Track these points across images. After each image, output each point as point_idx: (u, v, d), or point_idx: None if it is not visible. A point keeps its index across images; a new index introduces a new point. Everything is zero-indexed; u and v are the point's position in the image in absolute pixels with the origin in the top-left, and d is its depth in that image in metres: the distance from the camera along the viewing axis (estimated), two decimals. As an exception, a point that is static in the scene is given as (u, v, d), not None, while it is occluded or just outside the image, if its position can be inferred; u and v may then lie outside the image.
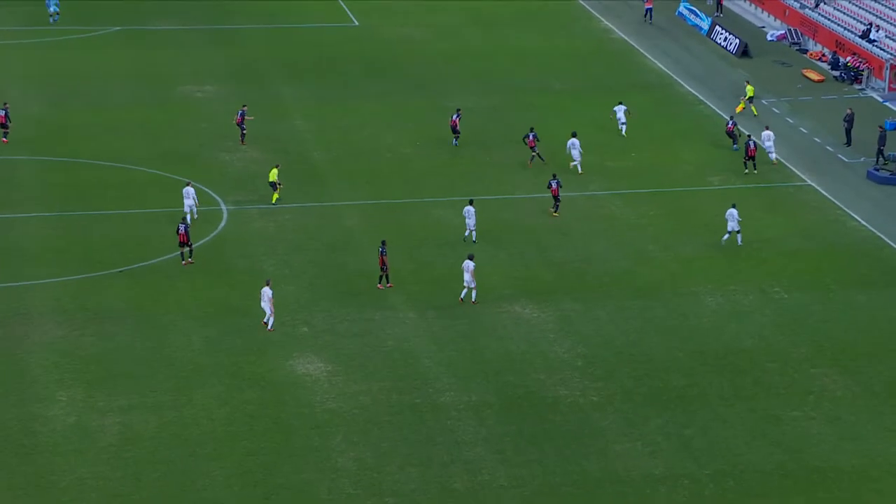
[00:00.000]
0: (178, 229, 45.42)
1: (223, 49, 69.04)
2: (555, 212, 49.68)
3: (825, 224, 50.39)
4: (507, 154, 55.88)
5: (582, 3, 78.53)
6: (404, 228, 48.61)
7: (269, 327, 41.78)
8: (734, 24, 74.19)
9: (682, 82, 65.55)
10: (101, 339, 41.21)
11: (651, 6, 73.70)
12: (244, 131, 55.72)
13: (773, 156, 55.36)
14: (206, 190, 51.57)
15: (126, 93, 62.38)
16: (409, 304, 43.69)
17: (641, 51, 70.09)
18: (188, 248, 45.32)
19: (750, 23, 75.39)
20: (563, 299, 44.19)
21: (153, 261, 46.08)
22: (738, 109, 61.01)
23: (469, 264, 43.16)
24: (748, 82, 62.37)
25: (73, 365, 39.82)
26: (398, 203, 51.19)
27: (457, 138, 56.37)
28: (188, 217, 47.30)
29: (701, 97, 63.59)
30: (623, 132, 57.80)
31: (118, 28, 71.71)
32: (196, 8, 76.03)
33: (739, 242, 48.28)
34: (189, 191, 48.81)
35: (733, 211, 48.26)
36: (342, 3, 77.23)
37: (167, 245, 46.94)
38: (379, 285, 44.34)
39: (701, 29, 73.54)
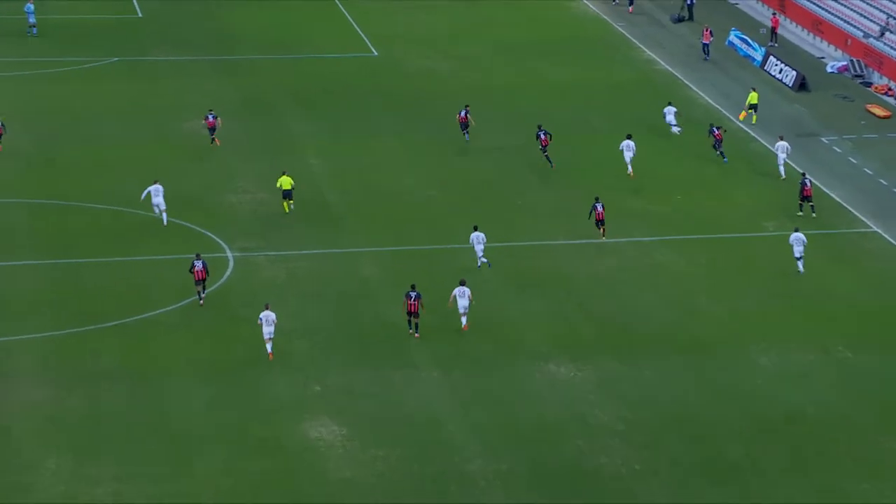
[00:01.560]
0: (194, 266, 45.76)
1: (231, 81, 69.18)
2: (602, 235, 51.26)
3: (894, 275, 49.83)
4: (540, 196, 55.64)
5: (622, 31, 78.50)
6: (428, 278, 48.20)
7: (269, 352, 42.78)
8: (790, 54, 73.94)
9: (734, 118, 65.21)
10: (91, 400, 40.90)
11: (709, 42, 73.11)
12: (214, 134, 59.13)
13: (782, 169, 56.87)
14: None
15: (124, 129, 62.47)
16: (433, 361, 43.29)
17: (688, 84, 69.85)
18: (203, 287, 45.98)
19: (808, 53, 75.12)
20: (604, 357, 43.71)
21: (151, 313, 45.84)
22: (741, 117, 63.63)
23: (466, 290, 44.23)
24: (754, 89, 64.25)
25: (61, 429, 39.48)
26: (421, 250, 50.91)
27: (467, 132, 59.36)
28: (197, 258, 46.90)
29: (754, 135, 63.21)
30: (677, 132, 60.36)
31: (116, 59, 71.98)
32: (201, 37, 76.32)
33: (801, 270, 48.32)
34: (158, 188, 51.30)
35: (800, 235, 48.73)
36: (360, 32, 77.41)
37: (166, 296, 46.71)
38: (416, 334, 44.29)
39: (754, 60, 73.30)
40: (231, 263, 49.46)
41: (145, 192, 51.90)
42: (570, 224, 53.09)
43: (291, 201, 53.00)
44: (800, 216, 53.68)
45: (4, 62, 70.41)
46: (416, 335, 44.30)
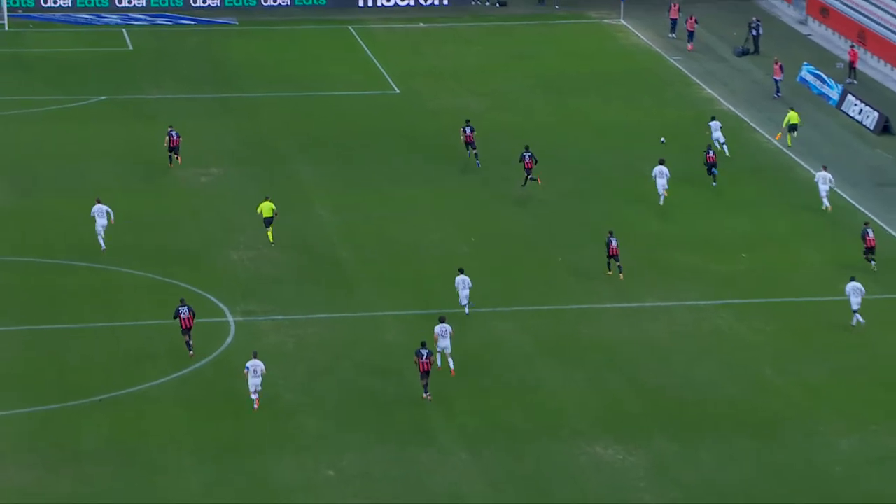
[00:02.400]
0: (180, 313, 47.01)
1: (232, 122, 69.94)
2: (620, 273, 53.40)
3: None
4: (583, 254, 55.98)
5: (678, 66, 79.07)
6: (456, 346, 48.53)
7: (255, 405, 44.45)
8: (872, 92, 74.27)
9: (806, 165, 65.53)
10: (78, 483, 41.31)
11: (780, 78, 73.55)
12: (177, 154, 62.66)
13: (826, 202, 59.23)
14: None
15: (112, 176, 63.13)
16: (462, 438, 43.60)
17: (753, 125, 70.24)
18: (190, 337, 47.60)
19: (892, 91, 75.45)
20: (656, 437, 43.95)
21: (142, 386, 46.30)
22: (777, 138, 66.56)
23: (447, 327, 46.13)
24: (792, 108, 66.85)
25: (40, 516, 39.92)
26: (448, 314, 51.19)
27: (476, 155, 63.31)
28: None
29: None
30: (727, 152, 64.06)
31: (104, 97, 72.91)
32: (199, 72, 77.22)
33: (855, 321, 49.68)
34: (102, 209, 54.71)
35: (857, 285, 49.97)
36: (380, 67, 78.19)
37: (159, 366, 47.24)
38: (425, 395, 45.23)
39: (829, 99, 73.68)
40: (232, 329, 49.94)
41: (92, 212, 54.93)
42: (617, 284, 53.45)
43: (270, 230, 55.81)
44: (873, 270, 53.99)
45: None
46: (429, 396, 45.18)
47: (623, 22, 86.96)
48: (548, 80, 76.41)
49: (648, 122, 70.53)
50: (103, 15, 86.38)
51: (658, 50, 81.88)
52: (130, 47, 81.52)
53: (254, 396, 44.49)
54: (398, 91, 74.55)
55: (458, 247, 56.84)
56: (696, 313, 51.67)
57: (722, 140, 64.91)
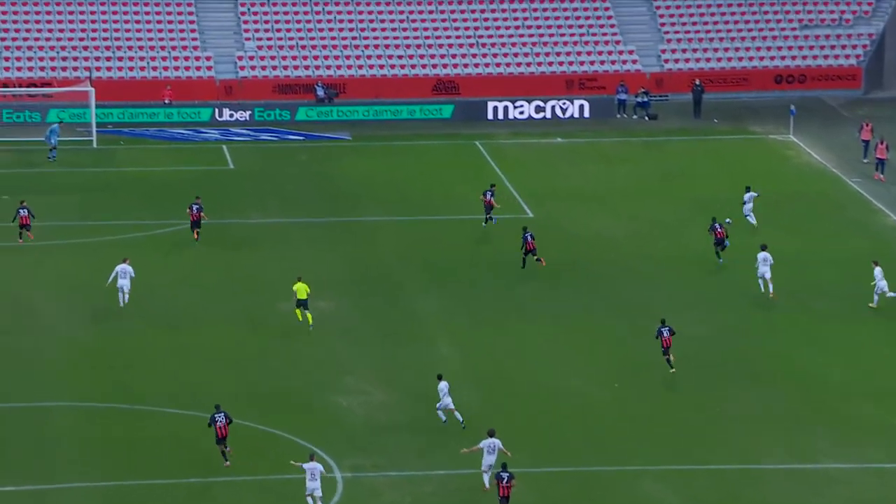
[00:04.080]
0: (215, 420, 49.75)
1: (343, 249, 70.26)
2: (671, 368, 56.66)
3: None
4: (746, 402, 55.15)
5: (857, 189, 78.17)
6: (595, 508, 47.91)
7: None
8: None
9: None
10: None
11: None
12: (199, 228, 69.04)
13: (876, 299, 62.67)
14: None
15: (206, 310, 63.57)
16: None
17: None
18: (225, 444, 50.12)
19: None
20: None
21: (233, 549, 46.13)
22: None
23: (496, 442, 48.12)
24: None
25: None
26: (586, 472, 50.52)
27: (488, 218, 70.95)
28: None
29: None
30: (751, 221, 70.81)
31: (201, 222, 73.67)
32: (308, 194, 77.89)
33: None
34: (126, 269, 61.40)
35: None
36: (510, 187, 78.26)
37: (253, 527, 47.01)
38: None
39: None
40: (340, 487, 49.52)
41: (112, 274, 61.40)
42: (788, 439, 52.44)
43: (309, 312, 60.31)
44: None
45: (55, 227, 72.03)
46: None
47: (793, 138, 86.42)
48: (705, 202, 75.77)
49: (822, 253, 69.62)
50: (202, 130, 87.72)
51: (834, 170, 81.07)
52: (231, 166, 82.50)
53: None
54: (532, 214, 74.48)
55: (598, 392, 56.25)
56: (883, 478, 50.36)
57: (750, 214, 70.80)
